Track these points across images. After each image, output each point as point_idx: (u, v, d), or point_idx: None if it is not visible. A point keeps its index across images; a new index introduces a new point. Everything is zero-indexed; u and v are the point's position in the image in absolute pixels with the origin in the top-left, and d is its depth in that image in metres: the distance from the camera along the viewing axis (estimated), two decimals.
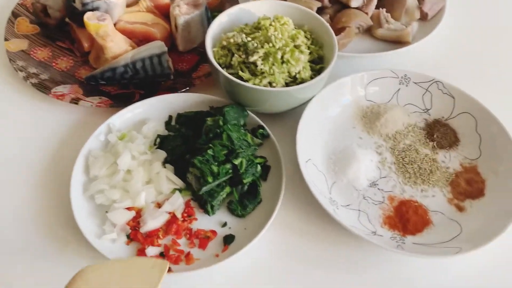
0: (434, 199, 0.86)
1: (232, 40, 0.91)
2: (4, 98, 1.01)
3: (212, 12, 1.14)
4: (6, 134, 0.96)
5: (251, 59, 0.87)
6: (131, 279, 0.65)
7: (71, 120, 0.97)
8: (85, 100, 0.96)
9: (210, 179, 0.79)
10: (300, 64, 0.88)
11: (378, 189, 0.87)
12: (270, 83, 0.88)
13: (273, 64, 0.87)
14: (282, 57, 0.88)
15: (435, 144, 0.93)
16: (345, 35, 1.05)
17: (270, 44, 0.88)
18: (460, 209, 0.85)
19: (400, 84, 0.98)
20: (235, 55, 0.90)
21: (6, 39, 1.06)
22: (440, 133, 0.94)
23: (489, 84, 1.08)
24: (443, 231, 0.82)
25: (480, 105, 0.92)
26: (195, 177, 0.81)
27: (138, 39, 1.04)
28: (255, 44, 0.89)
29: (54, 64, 1.04)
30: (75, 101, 0.95)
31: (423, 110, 0.98)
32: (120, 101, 0.97)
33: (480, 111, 0.92)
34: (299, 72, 0.89)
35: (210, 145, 0.82)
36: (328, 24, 0.95)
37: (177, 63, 1.06)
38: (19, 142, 0.94)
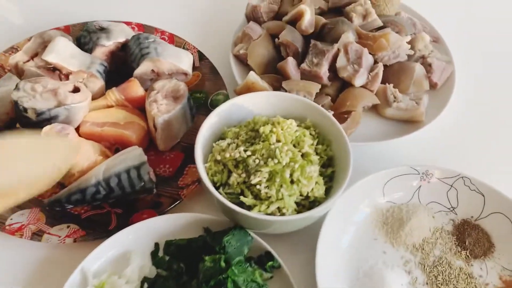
0: None
1: (228, 155, 0.75)
2: None
3: (192, 93, 0.98)
4: None
5: (254, 180, 0.72)
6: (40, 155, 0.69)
7: (34, 259, 0.79)
8: (49, 234, 0.78)
9: None
10: (313, 181, 0.74)
11: None
12: (279, 208, 0.73)
13: (281, 186, 0.72)
14: (291, 175, 0.73)
15: (468, 253, 0.81)
16: (352, 121, 0.91)
17: (275, 160, 0.73)
18: None
19: (421, 180, 0.86)
20: (233, 173, 0.74)
21: None
22: (472, 238, 0.82)
23: None
24: None
25: None
26: None
27: (110, 142, 0.87)
28: (257, 161, 0.73)
29: None
30: (37, 236, 0.77)
31: (449, 208, 0.85)
32: (94, 228, 0.80)
33: None
34: (312, 190, 0.74)
35: None
36: (337, 122, 0.80)
37: (157, 165, 0.89)
38: None
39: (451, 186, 0.85)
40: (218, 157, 0.76)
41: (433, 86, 1.01)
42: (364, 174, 0.84)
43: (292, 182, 0.73)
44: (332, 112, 0.89)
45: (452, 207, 0.85)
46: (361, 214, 0.83)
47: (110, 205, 0.83)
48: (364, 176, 0.84)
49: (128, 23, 1.08)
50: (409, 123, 0.95)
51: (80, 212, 0.83)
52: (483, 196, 0.83)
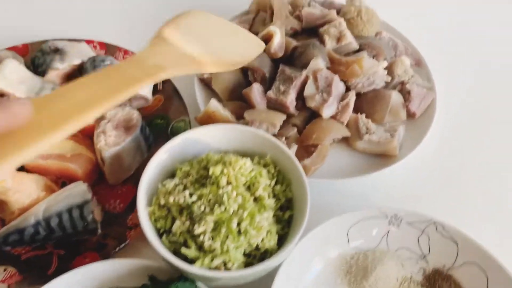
0: None
1: (172, 200, 0.69)
2: None
3: (153, 119, 0.92)
4: None
5: (197, 230, 0.65)
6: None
7: None
8: None
9: None
10: (264, 231, 0.67)
11: None
12: (224, 262, 0.66)
13: (226, 237, 0.65)
14: (239, 224, 0.66)
15: None
16: (317, 155, 0.84)
17: (222, 207, 0.66)
18: None
19: (390, 224, 0.79)
20: (177, 220, 0.68)
21: None
22: None
23: (504, 229, 0.87)
24: None
25: (491, 257, 0.73)
26: None
27: (56, 176, 0.81)
28: (202, 208, 0.67)
29: None
30: None
31: (420, 256, 0.78)
32: (33, 271, 0.74)
33: (491, 265, 0.73)
34: (262, 240, 0.68)
35: None
36: (295, 160, 0.73)
37: (108, 200, 0.83)
38: None
39: (423, 231, 0.78)
40: (162, 201, 0.70)
41: (411, 115, 0.93)
42: (331, 214, 0.78)
43: (239, 232, 0.66)
44: (296, 146, 0.83)
45: (423, 254, 0.78)
46: (321, 262, 0.76)
47: (53, 246, 0.78)
48: (330, 217, 0.77)
49: (89, 42, 1.01)
50: (383, 157, 0.88)
51: (21, 252, 0.77)
52: (457, 244, 0.76)
